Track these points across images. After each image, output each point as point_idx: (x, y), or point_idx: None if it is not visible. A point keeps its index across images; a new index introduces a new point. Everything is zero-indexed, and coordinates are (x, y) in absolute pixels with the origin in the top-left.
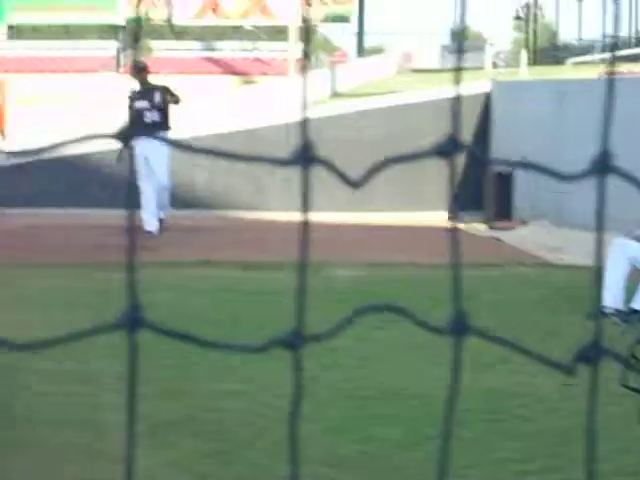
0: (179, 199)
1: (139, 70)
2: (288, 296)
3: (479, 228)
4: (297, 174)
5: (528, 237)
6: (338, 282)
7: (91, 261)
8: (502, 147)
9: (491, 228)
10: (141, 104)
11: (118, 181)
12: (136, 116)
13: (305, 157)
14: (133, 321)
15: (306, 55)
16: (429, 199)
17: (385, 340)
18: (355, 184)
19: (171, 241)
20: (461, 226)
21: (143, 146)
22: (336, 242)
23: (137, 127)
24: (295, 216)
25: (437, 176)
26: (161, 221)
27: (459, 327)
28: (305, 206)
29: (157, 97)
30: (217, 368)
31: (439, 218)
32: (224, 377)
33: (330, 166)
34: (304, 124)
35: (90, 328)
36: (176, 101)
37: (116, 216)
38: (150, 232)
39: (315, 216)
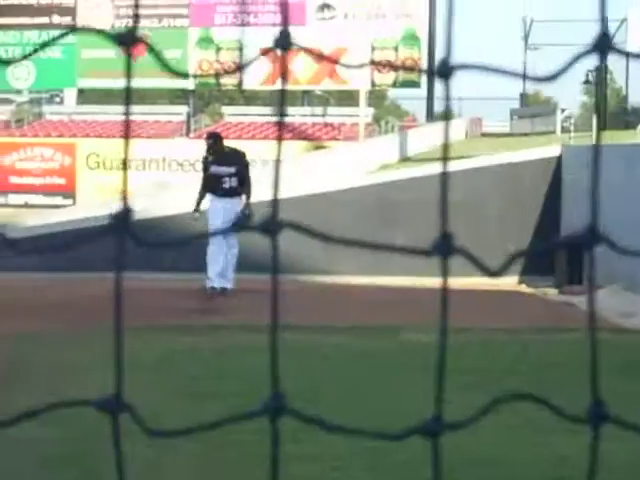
0: (253, 263)
1: (215, 141)
2: (360, 359)
3: (551, 293)
4: (370, 239)
5: (600, 302)
6: (414, 346)
7: (152, 323)
8: (573, 211)
9: (562, 293)
10: (220, 169)
11: (186, 244)
12: (215, 180)
13: (444, 248)
14: (276, 410)
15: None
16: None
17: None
18: (494, 273)
19: (244, 305)
20: (533, 291)
21: (220, 206)
22: (412, 306)
23: (215, 191)
24: (366, 280)
25: (501, 242)
26: (224, 289)
27: (597, 416)
28: (445, 297)
29: (237, 163)
30: (288, 431)
31: (508, 282)
32: (298, 440)
33: (468, 255)
34: (444, 217)
35: (230, 417)
36: (248, 190)
37: (183, 280)
38: (213, 288)
39: (390, 280)
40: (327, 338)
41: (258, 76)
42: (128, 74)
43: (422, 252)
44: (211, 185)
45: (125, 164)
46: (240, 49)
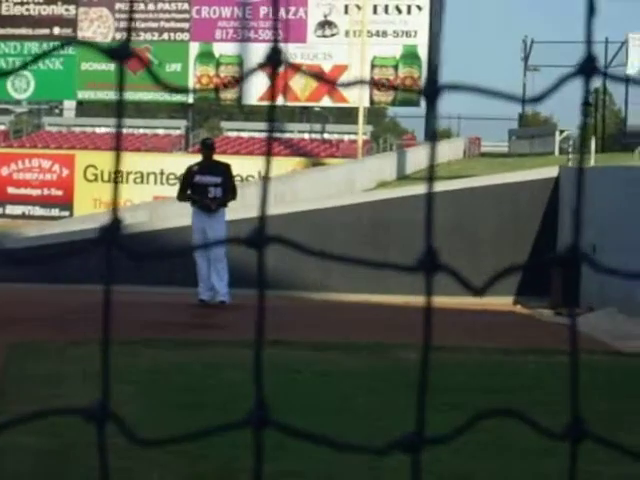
0: (246, 279)
1: (209, 147)
2: (354, 377)
3: (545, 314)
4: (366, 257)
5: (595, 324)
6: (405, 364)
7: (141, 337)
8: (570, 233)
9: (557, 314)
10: (206, 179)
11: (174, 258)
12: (200, 190)
13: (429, 264)
14: (260, 420)
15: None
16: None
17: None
18: (478, 291)
19: (238, 320)
20: (528, 311)
21: (202, 219)
22: (404, 324)
23: (199, 201)
24: (360, 298)
25: (496, 262)
26: (223, 302)
27: (576, 433)
28: (428, 313)
29: (222, 174)
30: (270, 447)
31: (504, 303)
32: (279, 456)
33: (453, 273)
34: (429, 233)
35: (216, 426)
36: (234, 196)
37: (178, 293)
38: (203, 300)
39: (384, 298)
40: (318, 354)
41: (256, 92)
42: (120, 87)
43: (407, 268)
44: (195, 195)
45: (116, 176)
46: (240, 64)
